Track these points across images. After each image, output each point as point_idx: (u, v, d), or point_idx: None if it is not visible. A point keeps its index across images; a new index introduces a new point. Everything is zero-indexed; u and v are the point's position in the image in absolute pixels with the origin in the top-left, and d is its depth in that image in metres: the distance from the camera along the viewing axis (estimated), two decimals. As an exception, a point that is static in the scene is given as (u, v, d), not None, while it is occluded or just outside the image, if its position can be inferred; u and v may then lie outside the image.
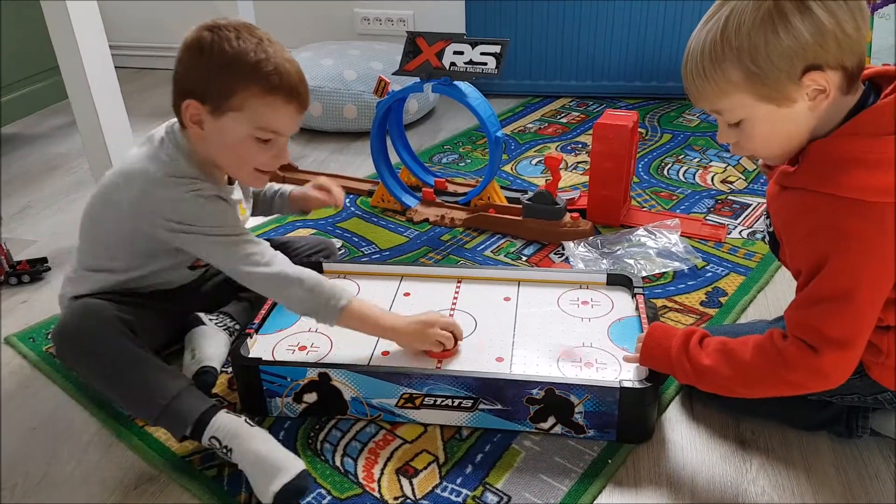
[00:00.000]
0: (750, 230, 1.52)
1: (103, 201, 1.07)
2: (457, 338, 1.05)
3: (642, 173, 1.81)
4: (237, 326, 1.18)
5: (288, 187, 1.32)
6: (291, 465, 0.89)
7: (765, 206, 0.94)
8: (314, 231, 1.58)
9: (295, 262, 1.27)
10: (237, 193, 1.14)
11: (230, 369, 1.13)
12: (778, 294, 1.29)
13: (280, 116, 0.99)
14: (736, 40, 0.75)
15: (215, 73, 0.96)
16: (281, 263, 1.01)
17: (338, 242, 1.53)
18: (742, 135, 0.83)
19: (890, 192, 0.75)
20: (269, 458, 0.90)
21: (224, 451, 0.92)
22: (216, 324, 1.15)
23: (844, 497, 0.90)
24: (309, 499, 0.91)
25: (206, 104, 0.97)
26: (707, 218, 1.57)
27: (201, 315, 1.15)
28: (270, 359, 1.05)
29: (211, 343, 1.11)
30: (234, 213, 1.04)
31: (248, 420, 0.94)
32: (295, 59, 1.01)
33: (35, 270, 1.43)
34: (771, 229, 0.91)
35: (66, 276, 1.14)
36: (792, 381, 0.83)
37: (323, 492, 0.92)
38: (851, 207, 0.76)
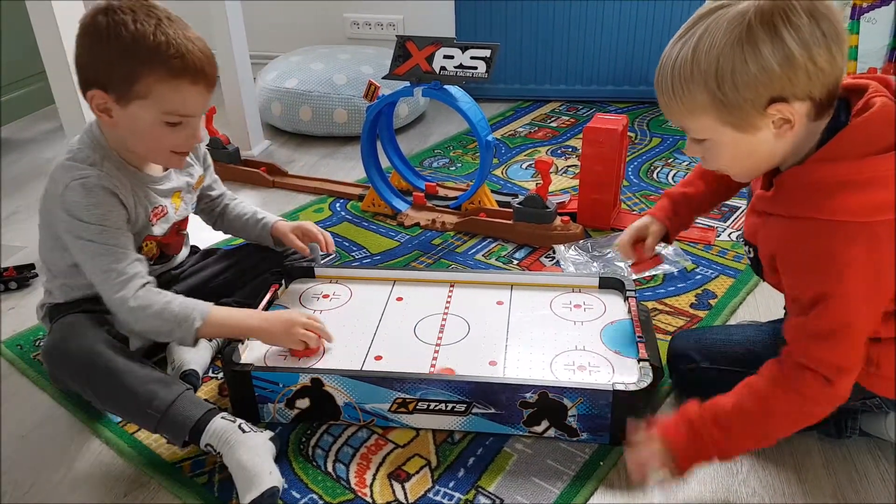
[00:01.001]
0: (738, 232, 1.53)
1: (43, 196, 1.05)
2: (323, 336, 1.06)
3: (632, 177, 1.82)
4: None
5: (272, 219, 1.26)
6: (264, 480, 0.88)
7: (741, 233, 0.94)
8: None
9: (276, 264, 1.27)
10: (171, 182, 1.10)
11: (221, 375, 1.13)
12: (766, 296, 1.30)
13: (187, 100, 0.97)
14: (705, 63, 0.74)
15: (115, 60, 0.93)
16: (132, 287, 0.97)
17: (329, 247, 1.52)
18: (707, 153, 0.83)
19: (882, 209, 0.74)
20: (247, 469, 0.89)
21: (218, 456, 0.92)
22: None
23: (834, 497, 0.90)
24: (301, 502, 0.91)
25: (111, 93, 0.95)
26: (696, 221, 1.58)
27: None
28: (262, 365, 1.05)
29: (190, 350, 1.10)
30: (115, 211, 0.99)
31: (243, 425, 0.93)
32: (199, 36, 0.98)
33: (22, 277, 1.42)
34: (752, 255, 0.89)
35: (42, 284, 1.13)
36: (817, 413, 0.82)
37: (315, 497, 0.91)
38: (845, 231, 0.75)
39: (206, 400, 0.98)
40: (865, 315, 0.78)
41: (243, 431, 0.92)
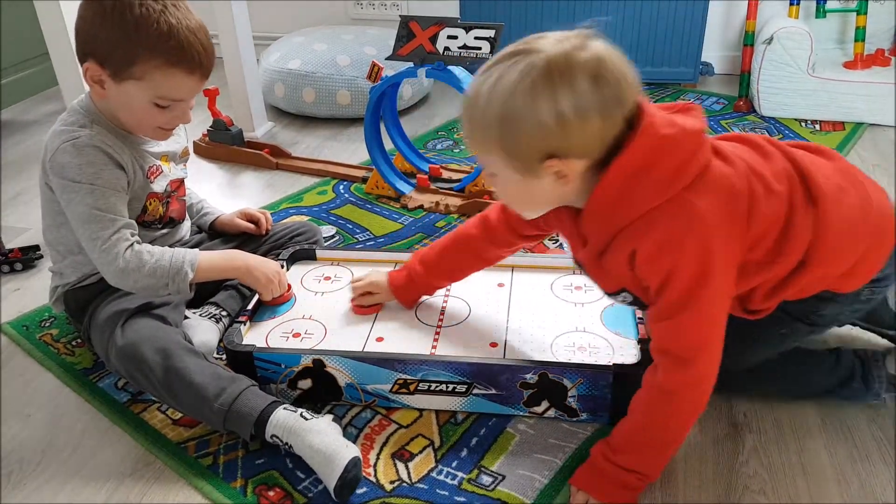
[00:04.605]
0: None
1: (40, 170, 1.07)
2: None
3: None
4: (223, 313, 1.17)
5: (216, 212, 1.30)
6: (343, 455, 0.87)
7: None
8: (308, 218, 1.58)
9: (276, 247, 1.28)
10: (161, 146, 1.12)
11: (224, 356, 1.13)
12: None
13: (181, 87, 1.00)
14: (496, 106, 0.75)
15: (117, 41, 0.95)
16: (118, 252, 0.99)
17: (332, 229, 1.52)
18: (497, 186, 0.85)
19: (672, 179, 0.76)
20: (323, 452, 0.88)
21: (286, 447, 0.92)
22: (199, 315, 1.15)
23: (836, 479, 0.91)
24: (306, 483, 0.91)
25: (107, 68, 0.98)
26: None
27: (185, 311, 1.15)
28: (264, 346, 1.06)
29: (196, 332, 1.10)
30: (107, 170, 1.01)
31: (304, 413, 0.92)
32: (201, 25, 1.00)
33: (27, 258, 1.43)
34: (630, 299, 0.89)
35: (50, 269, 1.15)
36: (687, 397, 0.83)
37: (318, 477, 0.92)
38: (661, 214, 0.77)
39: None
40: (717, 285, 0.78)
41: (305, 419, 0.92)
